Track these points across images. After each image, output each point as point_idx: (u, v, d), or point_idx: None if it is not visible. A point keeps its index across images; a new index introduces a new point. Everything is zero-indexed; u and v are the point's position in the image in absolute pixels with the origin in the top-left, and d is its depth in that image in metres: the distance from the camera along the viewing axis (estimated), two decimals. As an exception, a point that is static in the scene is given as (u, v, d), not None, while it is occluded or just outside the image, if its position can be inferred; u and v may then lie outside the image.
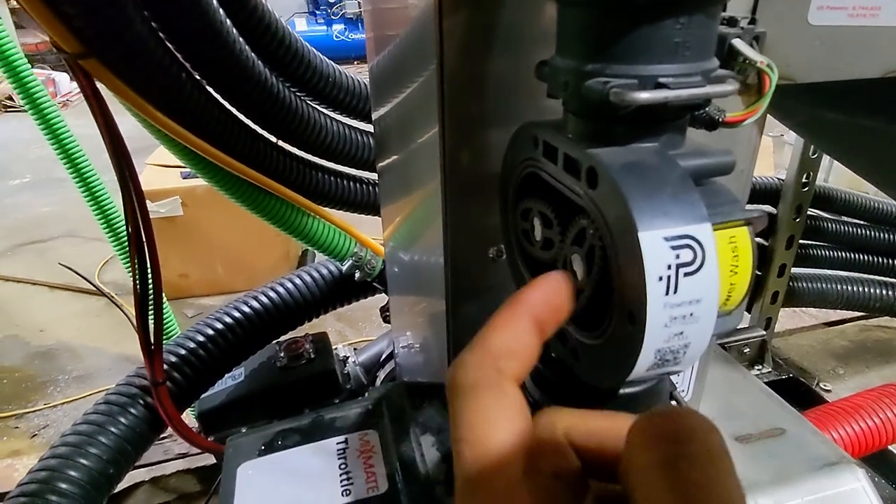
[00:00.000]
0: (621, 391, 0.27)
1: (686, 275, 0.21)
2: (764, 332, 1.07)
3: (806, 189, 0.99)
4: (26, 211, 2.94)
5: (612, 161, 0.22)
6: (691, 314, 0.21)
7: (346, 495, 0.32)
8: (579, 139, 0.25)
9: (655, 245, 0.20)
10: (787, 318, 1.56)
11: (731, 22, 0.30)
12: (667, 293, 0.20)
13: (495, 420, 0.20)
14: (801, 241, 1.03)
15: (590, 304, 0.25)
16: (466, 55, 0.32)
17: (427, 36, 0.32)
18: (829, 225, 1.06)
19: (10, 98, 4.46)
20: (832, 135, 0.53)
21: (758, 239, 1.04)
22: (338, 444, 0.35)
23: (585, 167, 0.23)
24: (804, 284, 1.08)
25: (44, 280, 2.27)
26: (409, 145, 0.43)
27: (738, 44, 0.29)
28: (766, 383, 1.03)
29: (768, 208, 1.03)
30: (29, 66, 0.80)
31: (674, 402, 0.30)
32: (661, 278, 0.20)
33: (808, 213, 1.02)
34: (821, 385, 1.31)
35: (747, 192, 0.39)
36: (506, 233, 0.33)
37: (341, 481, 0.33)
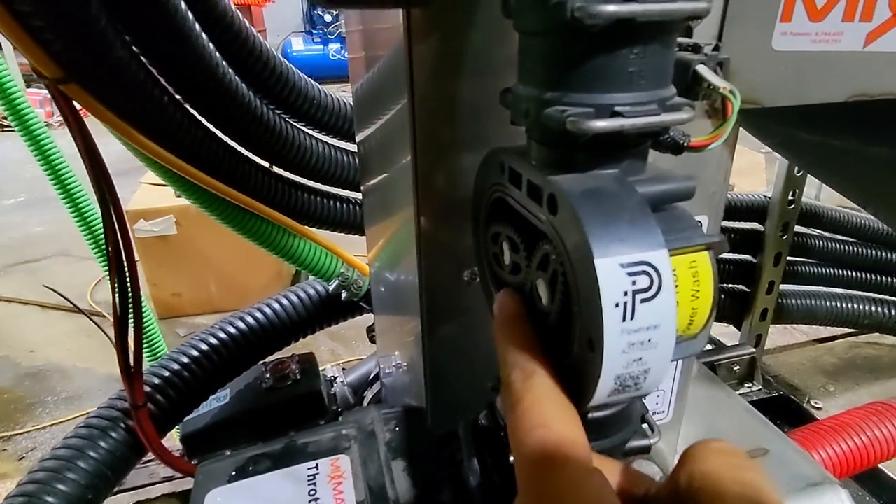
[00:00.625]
0: (590, 416, 0.27)
1: (643, 301, 0.21)
2: (754, 350, 1.07)
3: (792, 206, 0.99)
4: (19, 230, 2.93)
5: (571, 188, 0.22)
6: (649, 340, 0.21)
7: (315, 522, 0.32)
8: (542, 166, 0.25)
9: (612, 272, 0.20)
10: (778, 334, 1.56)
11: (696, 48, 0.30)
12: (624, 319, 0.21)
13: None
14: (789, 259, 1.04)
15: (555, 330, 0.25)
16: (437, 81, 0.32)
17: (399, 62, 0.33)
18: (817, 242, 1.07)
19: (7, 118, 4.48)
20: (809, 154, 0.54)
21: (745, 256, 1.05)
22: (308, 469, 0.34)
23: (546, 194, 0.23)
24: (793, 301, 1.08)
25: (35, 300, 2.26)
26: (386, 168, 0.43)
27: (703, 70, 0.29)
28: (756, 401, 1.03)
29: (755, 225, 1.03)
30: (18, 86, 0.81)
31: (645, 426, 0.30)
32: (617, 305, 0.20)
33: (796, 230, 1.02)
34: (811, 402, 1.30)
35: (720, 213, 0.39)
36: (478, 256, 0.33)
37: (309, 508, 0.33)
